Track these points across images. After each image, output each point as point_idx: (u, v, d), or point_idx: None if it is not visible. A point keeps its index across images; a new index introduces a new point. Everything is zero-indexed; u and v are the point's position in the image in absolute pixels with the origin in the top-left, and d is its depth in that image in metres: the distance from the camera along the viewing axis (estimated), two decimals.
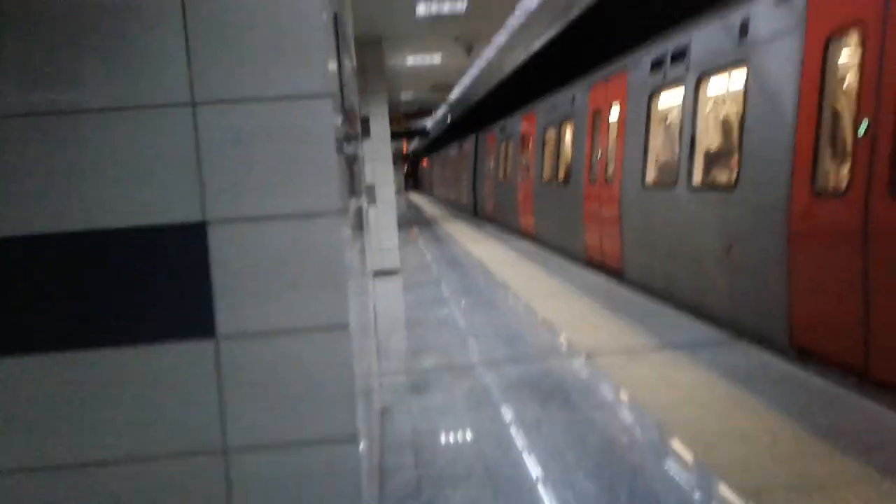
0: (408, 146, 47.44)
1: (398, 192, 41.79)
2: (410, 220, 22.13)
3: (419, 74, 15.34)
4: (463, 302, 8.00)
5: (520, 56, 14.17)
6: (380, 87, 10.83)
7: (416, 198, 44.42)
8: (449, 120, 31.54)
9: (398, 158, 44.79)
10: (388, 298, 8.70)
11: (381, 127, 10.82)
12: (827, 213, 5.07)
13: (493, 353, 5.74)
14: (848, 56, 5.15)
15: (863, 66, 4.78)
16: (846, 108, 5.11)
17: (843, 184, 4.95)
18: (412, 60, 13.28)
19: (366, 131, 10.66)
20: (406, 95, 19.83)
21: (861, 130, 4.74)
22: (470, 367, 5.42)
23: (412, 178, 67.61)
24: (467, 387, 4.96)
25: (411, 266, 11.27)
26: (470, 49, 12.41)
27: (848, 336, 4.81)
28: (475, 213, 23.43)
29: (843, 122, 5.12)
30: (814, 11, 5.28)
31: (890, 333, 4.44)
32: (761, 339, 5.72)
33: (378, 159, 10.75)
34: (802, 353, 5.36)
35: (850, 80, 5.12)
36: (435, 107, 25.10)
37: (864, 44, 4.77)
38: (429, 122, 30.38)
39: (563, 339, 6.04)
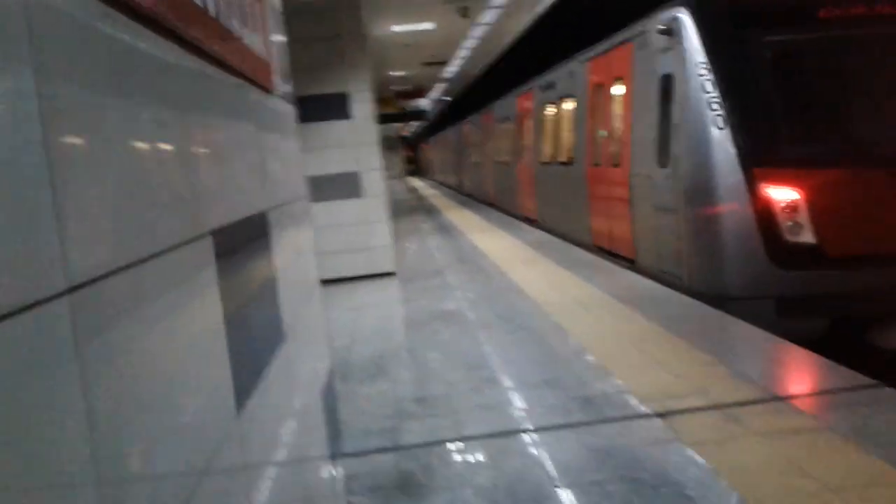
0: (406, 129, 45.39)
1: (398, 177, 40.27)
2: (410, 208, 20.34)
3: (410, 46, 13.51)
4: (472, 320, 6.27)
5: (521, 21, 12.36)
6: (360, 59, 9.01)
7: (416, 182, 42.57)
8: (446, 100, 29.68)
9: (396, 143, 42.97)
10: (373, 315, 6.94)
11: (364, 106, 9.00)
12: (596, 175, 9.68)
13: (522, 411, 4.01)
14: (599, 97, 9.69)
15: (603, 103, 9.49)
16: (600, 123, 9.66)
17: (599, 160, 9.67)
18: (400, 28, 11.46)
19: (344, 112, 8.88)
20: (397, 72, 18.01)
21: (601, 134, 9.60)
22: (490, 441, 3.69)
23: (413, 163, 65.59)
24: (489, 482, 3.23)
25: (409, 264, 9.54)
26: (465, 12, 10.60)
27: (610, 236, 9.12)
28: (460, 191, 28.34)
29: (599, 129, 9.74)
30: (589, 72, 10.12)
31: (624, 236, 8.52)
32: (583, 245, 10.11)
33: (362, 144, 8.96)
34: (598, 249, 9.51)
35: (601, 108, 9.61)
36: (431, 86, 23.25)
37: (602, 94, 9.53)
38: (425, 103, 28.48)
39: (618, 382, 4.30)
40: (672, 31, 6.90)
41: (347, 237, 8.94)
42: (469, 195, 24.65)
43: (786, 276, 5.85)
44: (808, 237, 5.82)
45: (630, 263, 8.18)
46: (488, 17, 11.38)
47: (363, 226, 8.96)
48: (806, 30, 6.32)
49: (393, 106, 22.47)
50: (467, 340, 5.58)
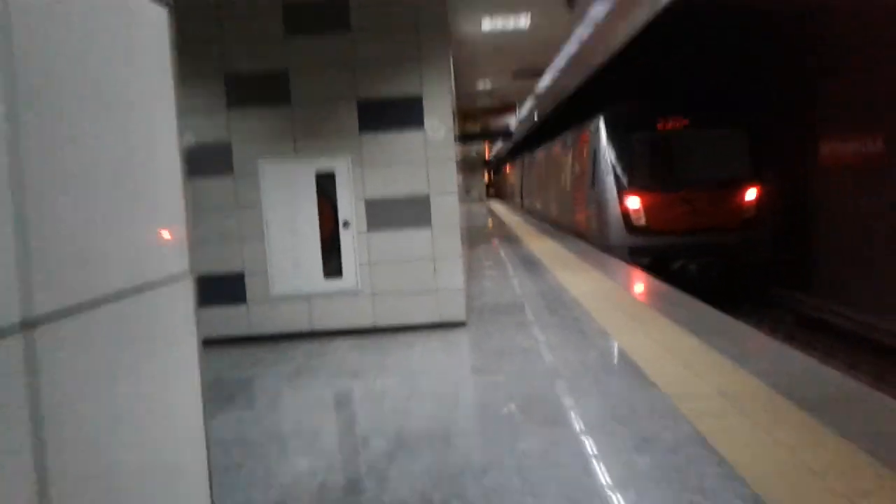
0: (490, 150, 43.53)
1: (478, 200, 38.43)
2: (489, 233, 18.49)
3: (501, 49, 11.72)
4: (574, 418, 4.35)
5: (639, 16, 10.40)
6: (441, 56, 7.27)
7: (497, 206, 40.69)
8: (529, 123, 27.79)
9: (478, 164, 41.19)
10: (430, 394, 5.05)
11: (441, 115, 7.24)
12: (577, 193, 17.18)
13: None
14: (582, 152, 16.68)
15: (582, 155, 16.66)
16: (581, 165, 16.77)
17: (579, 185, 16.74)
18: (490, 25, 9.69)
19: (416, 120, 7.15)
20: (483, 85, 16.25)
21: (580, 170, 16.88)
22: None
23: (494, 185, 63.72)
24: None
25: (485, 308, 7.67)
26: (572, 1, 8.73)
27: (579, 225, 17.12)
28: (522, 207, 36.24)
29: (580, 168, 16.95)
30: (579, 138, 17.21)
31: (583, 223, 16.34)
32: (571, 231, 18.42)
33: (436, 160, 7.19)
34: (576, 234, 17.45)
35: (582, 158, 16.74)
36: (519, 102, 21.44)
37: (582, 151, 16.62)
38: (511, 123, 26.65)
39: None
40: (596, 128, 14.25)
41: (409, 276, 7.17)
42: (529, 211, 32.28)
43: (633, 238, 12.84)
44: (642, 222, 12.87)
45: (582, 237, 15.74)
46: (596, 10, 9.49)
47: (430, 262, 7.17)
48: (650, 132, 13.47)
49: (477, 122, 20.78)
50: (570, 463, 3.64)
